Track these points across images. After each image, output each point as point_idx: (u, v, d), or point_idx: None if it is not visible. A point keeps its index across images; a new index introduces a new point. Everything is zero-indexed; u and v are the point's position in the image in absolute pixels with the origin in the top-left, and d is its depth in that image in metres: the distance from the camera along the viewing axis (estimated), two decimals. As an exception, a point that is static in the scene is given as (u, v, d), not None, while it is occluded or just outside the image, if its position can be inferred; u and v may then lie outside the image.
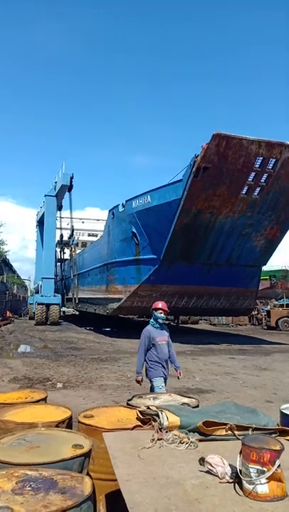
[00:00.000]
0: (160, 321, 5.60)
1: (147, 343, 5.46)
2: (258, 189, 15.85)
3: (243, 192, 15.74)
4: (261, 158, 14.83)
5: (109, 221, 21.65)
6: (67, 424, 3.10)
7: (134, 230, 18.27)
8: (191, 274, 17.38)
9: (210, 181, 14.83)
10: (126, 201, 18.90)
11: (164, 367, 5.46)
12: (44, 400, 3.82)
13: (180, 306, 19.11)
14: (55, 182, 29.58)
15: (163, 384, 5.40)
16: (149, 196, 17.11)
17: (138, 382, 5.55)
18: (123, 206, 19.17)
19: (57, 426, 2.97)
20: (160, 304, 5.63)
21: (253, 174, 15.31)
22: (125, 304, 19.17)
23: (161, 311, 5.57)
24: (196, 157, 14.32)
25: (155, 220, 16.71)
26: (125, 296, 19.05)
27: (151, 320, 5.68)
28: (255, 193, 15.94)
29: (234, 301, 19.88)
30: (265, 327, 28.49)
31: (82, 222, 37.14)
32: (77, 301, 28.91)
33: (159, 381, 5.38)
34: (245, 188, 15.67)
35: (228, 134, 14.03)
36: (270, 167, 15.21)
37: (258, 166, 15.08)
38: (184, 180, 15.09)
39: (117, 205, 19.86)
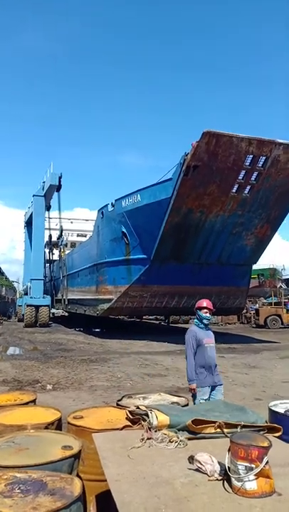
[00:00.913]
0: (205, 321, 5.08)
1: (195, 344, 4.87)
2: (248, 187, 15.94)
3: (234, 190, 15.81)
4: (251, 156, 14.90)
5: (98, 221, 21.61)
6: (57, 425, 3.12)
7: (124, 230, 18.27)
8: (182, 274, 17.43)
9: (200, 180, 14.87)
10: (115, 200, 18.89)
11: (211, 373, 4.86)
12: (33, 401, 3.83)
13: (171, 306, 19.17)
14: (43, 182, 29.46)
15: (206, 397, 4.75)
16: (138, 195, 17.12)
17: (192, 391, 4.79)
18: (112, 205, 19.17)
19: (46, 427, 2.98)
20: (205, 303, 5.10)
21: (243, 172, 15.39)
22: (116, 304, 19.17)
23: (206, 310, 5.07)
24: (186, 155, 14.33)
25: (145, 220, 16.73)
26: (116, 296, 19.05)
27: (196, 320, 5.21)
28: (246, 192, 16.03)
29: (225, 300, 19.99)
30: (254, 325, 28.78)
31: (71, 222, 37.06)
32: (66, 303, 28.83)
33: (204, 393, 4.75)
34: (236, 187, 15.75)
35: (218, 131, 14.07)
36: (260, 165, 15.29)
37: (248, 164, 15.14)
38: (174, 179, 15.12)
39: (107, 205, 19.84)
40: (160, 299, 18.56)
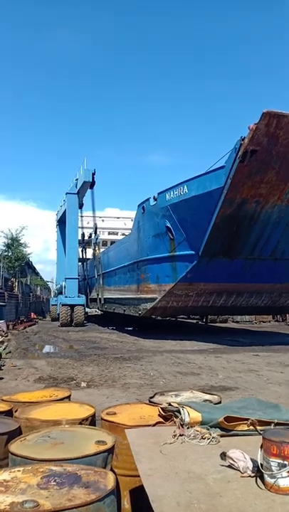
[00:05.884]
0: None
1: None
2: (310, 174, 15.07)
3: None
4: None
5: (138, 216, 21.37)
6: (91, 421, 3.32)
7: (169, 225, 17.91)
8: (232, 270, 16.93)
9: (257, 166, 14.08)
10: (158, 194, 18.57)
11: None
12: (68, 398, 4.07)
13: (218, 305, 18.85)
14: (76, 179, 29.96)
15: None
16: (185, 187, 16.59)
17: None
18: (155, 199, 18.88)
19: (80, 423, 3.18)
20: None
21: (306, 157, 14.57)
22: (160, 304, 18.97)
23: None
24: (243, 140, 13.53)
25: (193, 213, 16.22)
26: (160, 295, 18.81)
27: None
28: (307, 179, 15.21)
29: (277, 298, 19.34)
30: (289, 323, 28.97)
31: (102, 220, 37.64)
32: (102, 302, 29.15)
33: None
34: (297, 173, 15.00)
35: (279, 111, 13.30)
36: None
37: (311, 147, 14.31)
38: (228, 167, 14.37)
39: (148, 199, 19.58)
40: (206, 297, 18.23)
